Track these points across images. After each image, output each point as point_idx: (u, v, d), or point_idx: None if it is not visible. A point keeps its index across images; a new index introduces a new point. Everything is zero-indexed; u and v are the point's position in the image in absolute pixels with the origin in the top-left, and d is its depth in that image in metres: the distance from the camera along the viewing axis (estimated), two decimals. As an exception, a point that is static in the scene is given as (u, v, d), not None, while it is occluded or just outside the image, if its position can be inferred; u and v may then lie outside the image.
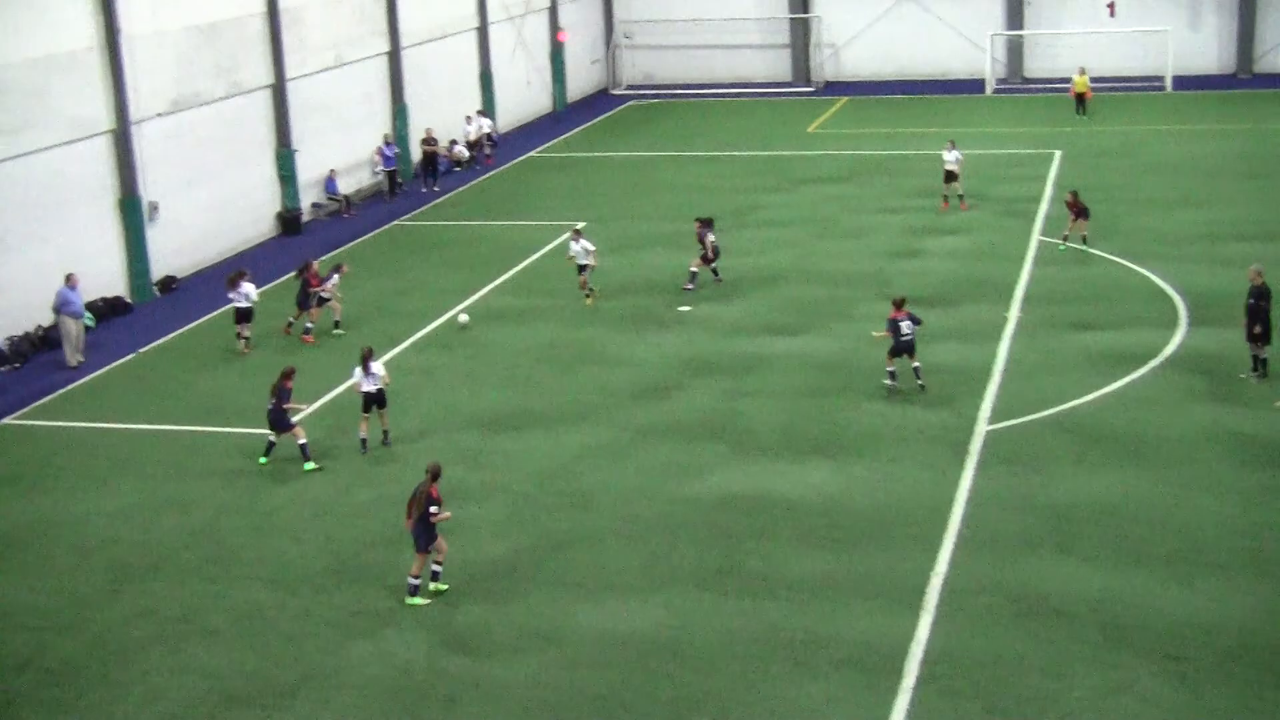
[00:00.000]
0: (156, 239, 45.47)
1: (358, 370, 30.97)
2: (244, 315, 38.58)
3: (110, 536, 27.57)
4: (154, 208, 45.44)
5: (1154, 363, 34.23)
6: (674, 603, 23.92)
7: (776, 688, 21.29)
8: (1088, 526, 25.96)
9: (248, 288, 38.48)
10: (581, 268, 41.44)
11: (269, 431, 30.75)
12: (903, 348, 32.91)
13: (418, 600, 24.30)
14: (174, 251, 46.57)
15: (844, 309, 39.53)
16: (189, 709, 21.43)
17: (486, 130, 65.57)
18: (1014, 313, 38.56)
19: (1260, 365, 32.70)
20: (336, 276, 39.80)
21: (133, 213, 44.36)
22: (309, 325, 39.23)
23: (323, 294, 39.37)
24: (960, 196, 50.63)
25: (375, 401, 30.96)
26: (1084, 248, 44.23)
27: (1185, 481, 27.74)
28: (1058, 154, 59.54)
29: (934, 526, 26.28)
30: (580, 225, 45.54)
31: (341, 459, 30.76)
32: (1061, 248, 44.47)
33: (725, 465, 29.56)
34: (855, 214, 51.00)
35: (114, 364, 38.30)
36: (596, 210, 53.30)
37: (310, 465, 30.18)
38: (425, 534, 24.19)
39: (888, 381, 33.01)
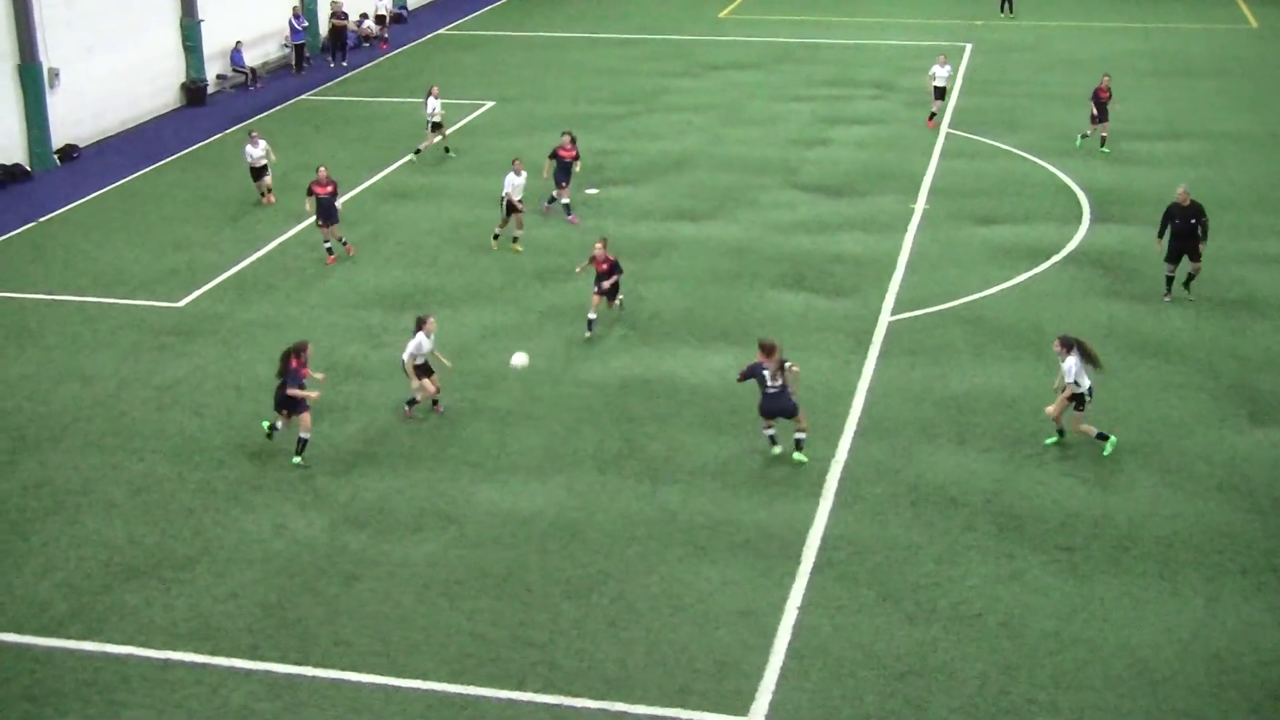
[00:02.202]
0: (57, 106, 44.64)
1: (419, 340, 26.19)
2: (256, 173, 39.75)
3: (8, 406, 27.28)
4: (55, 74, 44.58)
5: (1056, 258, 34.58)
6: (575, 484, 24.06)
7: (674, 570, 21.50)
8: (985, 418, 26.31)
9: (249, 148, 39.62)
10: (511, 208, 35.17)
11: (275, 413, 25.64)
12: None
13: None
14: (75, 120, 45.78)
15: (751, 196, 39.57)
16: (86, 580, 21.36)
17: (380, 11, 64.36)
18: (920, 204, 38.77)
19: (1188, 280, 31.95)
20: (433, 101, 42.90)
21: (33, 79, 43.48)
22: (329, 244, 35.23)
23: (432, 119, 42.98)
24: (933, 115, 47.31)
25: (431, 371, 26.69)
26: (1105, 150, 44.02)
27: (1081, 376, 28.11)
28: (968, 47, 59.60)
29: (835, 415, 26.53)
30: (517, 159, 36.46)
31: (243, 334, 30.58)
32: (1078, 143, 44.46)
33: (629, 349, 29.63)
34: (764, 101, 50.94)
35: (13, 232, 37.70)
36: (505, 90, 52.89)
37: (298, 460, 24.88)
38: None
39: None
